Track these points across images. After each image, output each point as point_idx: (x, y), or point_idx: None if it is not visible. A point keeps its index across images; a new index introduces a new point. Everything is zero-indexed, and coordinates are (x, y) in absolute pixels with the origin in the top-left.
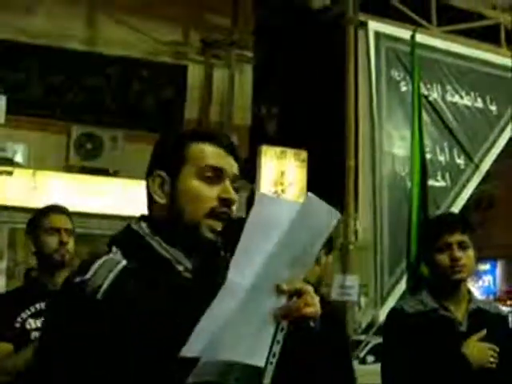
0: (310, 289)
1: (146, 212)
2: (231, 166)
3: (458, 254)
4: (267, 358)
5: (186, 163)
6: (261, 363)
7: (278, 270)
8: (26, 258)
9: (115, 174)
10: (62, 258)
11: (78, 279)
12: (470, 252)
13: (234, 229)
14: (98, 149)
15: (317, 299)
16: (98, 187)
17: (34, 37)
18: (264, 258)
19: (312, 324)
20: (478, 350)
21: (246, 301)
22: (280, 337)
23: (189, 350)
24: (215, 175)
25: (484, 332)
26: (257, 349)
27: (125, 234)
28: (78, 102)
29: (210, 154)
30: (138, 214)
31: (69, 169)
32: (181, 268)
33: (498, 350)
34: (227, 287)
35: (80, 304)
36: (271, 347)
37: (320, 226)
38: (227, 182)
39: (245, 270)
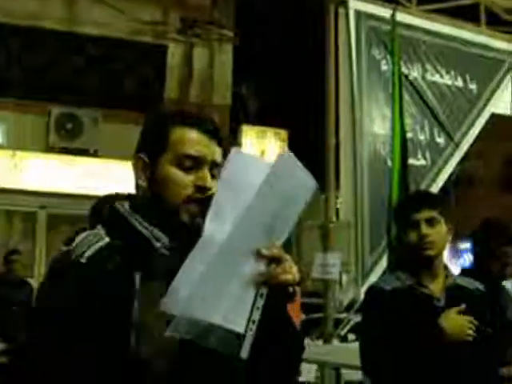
0: (289, 256)
1: (131, 191)
2: (212, 153)
3: (426, 230)
4: (247, 324)
5: (166, 149)
6: (241, 329)
7: (253, 231)
8: (5, 239)
9: (95, 154)
10: None
11: (64, 248)
12: (440, 228)
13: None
14: (77, 129)
15: (295, 267)
16: (78, 167)
17: (13, 17)
18: (238, 216)
19: (290, 290)
20: (456, 322)
21: (223, 258)
22: (259, 303)
23: (167, 305)
24: (193, 163)
25: (463, 306)
26: (236, 313)
27: (108, 213)
28: (58, 83)
29: (191, 141)
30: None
31: (49, 149)
32: (159, 245)
33: (476, 322)
34: (202, 241)
35: (65, 266)
36: (251, 313)
37: (295, 190)
38: (205, 170)
39: (219, 225)
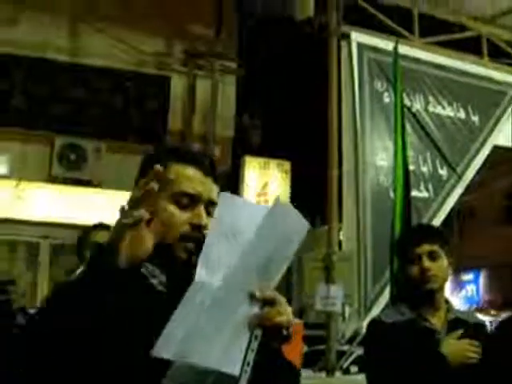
0: (283, 298)
1: None
2: (208, 191)
3: (427, 264)
4: (242, 367)
5: (163, 185)
6: (235, 372)
7: (247, 275)
8: (8, 270)
9: (99, 185)
10: None
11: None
12: (442, 262)
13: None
14: (81, 160)
15: (289, 309)
16: (81, 198)
17: (17, 47)
18: (232, 259)
19: (285, 333)
20: (457, 347)
21: (216, 302)
22: (254, 345)
23: (159, 351)
24: (190, 201)
25: (459, 332)
26: (231, 356)
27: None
28: (62, 113)
29: (188, 178)
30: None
31: (52, 180)
32: (155, 281)
33: (477, 344)
34: (194, 286)
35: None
36: (245, 355)
37: (289, 233)
38: (201, 208)
39: (212, 269)
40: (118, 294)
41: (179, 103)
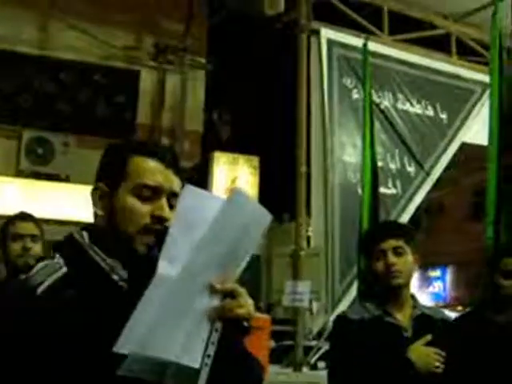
0: (243, 290)
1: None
2: (170, 182)
3: (392, 260)
4: (202, 359)
5: (124, 178)
6: (196, 364)
7: (207, 266)
8: None
9: (67, 180)
10: (24, 263)
11: (22, 276)
12: (407, 258)
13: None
14: (49, 154)
15: (250, 301)
16: (49, 193)
17: None
18: (191, 252)
19: (246, 324)
20: (424, 354)
21: (176, 294)
22: (215, 338)
23: (121, 346)
24: (151, 193)
25: (429, 337)
26: (191, 348)
27: (66, 242)
28: (29, 107)
29: (149, 170)
30: (90, 219)
31: (19, 174)
32: (116, 277)
33: (443, 354)
34: (156, 279)
35: (20, 297)
36: (206, 348)
37: (249, 224)
38: (163, 200)
39: (173, 262)
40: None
41: (148, 97)
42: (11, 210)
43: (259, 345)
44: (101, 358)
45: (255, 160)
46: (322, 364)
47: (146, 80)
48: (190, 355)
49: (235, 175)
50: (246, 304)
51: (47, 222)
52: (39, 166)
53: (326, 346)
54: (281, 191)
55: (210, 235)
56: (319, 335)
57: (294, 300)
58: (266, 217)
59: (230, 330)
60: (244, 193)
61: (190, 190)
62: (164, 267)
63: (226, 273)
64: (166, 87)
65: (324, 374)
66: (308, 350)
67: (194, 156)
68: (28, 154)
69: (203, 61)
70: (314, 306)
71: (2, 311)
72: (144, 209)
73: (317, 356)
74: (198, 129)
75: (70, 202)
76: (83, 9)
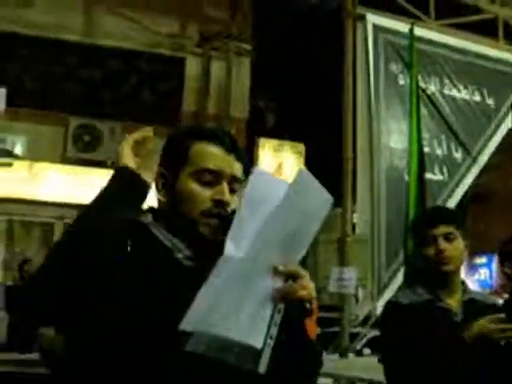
0: (306, 273)
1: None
2: (231, 167)
3: (443, 245)
4: (265, 340)
5: (186, 164)
6: (258, 344)
7: (272, 249)
8: (23, 249)
9: (113, 166)
10: None
11: None
12: (458, 243)
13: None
14: (95, 141)
15: (312, 284)
16: (95, 179)
17: (32, 28)
18: (257, 234)
19: (308, 306)
20: (483, 328)
21: (241, 275)
22: (277, 319)
23: (186, 324)
24: (212, 177)
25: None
26: (254, 329)
27: (131, 225)
28: (76, 94)
29: (211, 155)
30: None
31: (66, 160)
32: (180, 256)
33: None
34: (223, 260)
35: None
36: (268, 329)
37: (312, 207)
38: (224, 184)
39: (239, 244)
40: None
41: (194, 84)
42: (58, 197)
43: (310, 332)
44: (165, 334)
45: (300, 146)
46: (367, 351)
47: (192, 67)
48: (253, 336)
49: (280, 161)
50: (308, 286)
51: None
52: (85, 152)
53: (371, 333)
54: (326, 177)
55: (276, 218)
56: (365, 322)
57: (341, 286)
58: (328, 200)
59: (293, 311)
60: (309, 175)
61: (259, 172)
62: (230, 248)
63: (289, 255)
64: (211, 74)
65: (370, 360)
66: (354, 336)
67: (240, 142)
68: (75, 141)
69: (248, 47)
70: (360, 292)
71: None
72: (205, 193)
73: (362, 342)
74: (243, 115)
75: None
76: None
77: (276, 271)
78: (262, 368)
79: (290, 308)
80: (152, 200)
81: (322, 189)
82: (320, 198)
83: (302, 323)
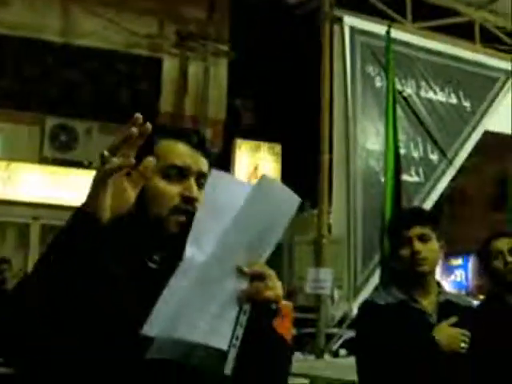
0: (272, 272)
1: None
2: (198, 163)
3: (418, 247)
4: (230, 341)
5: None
6: (224, 346)
7: (235, 250)
8: None
9: (90, 166)
10: None
11: None
12: (432, 245)
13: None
14: (72, 141)
15: (279, 283)
16: (72, 179)
17: (8, 28)
18: (220, 236)
19: (274, 307)
20: (449, 334)
21: (204, 278)
22: (243, 320)
23: (149, 329)
24: (179, 174)
25: (454, 319)
26: (219, 331)
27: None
28: (53, 94)
29: (177, 152)
30: None
31: (43, 160)
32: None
33: (468, 334)
34: (184, 263)
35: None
36: (234, 330)
37: (277, 208)
38: (191, 180)
39: (201, 246)
40: (103, 253)
41: (171, 85)
42: (34, 197)
43: (282, 332)
44: (128, 340)
45: (277, 147)
46: (343, 351)
47: (169, 67)
48: (218, 337)
49: (257, 162)
50: (275, 286)
51: (69, 208)
52: (62, 152)
53: (347, 334)
54: (303, 178)
55: (239, 220)
56: (341, 322)
57: (317, 287)
58: (294, 201)
59: (259, 312)
60: (272, 178)
61: (217, 174)
62: (191, 251)
63: (255, 256)
64: (188, 75)
65: (345, 360)
66: (330, 337)
67: (217, 143)
68: (51, 140)
69: (226, 48)
70: (336, 293)
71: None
72: (173, 190)
73: (338, 343)
74: (220, 116)
75: None
76: None
77: (240, 272)
78: (228, 369)
79: (257, 308)
80: None
81: (288, 190)
82: (286, 199)
83: (269, 323)
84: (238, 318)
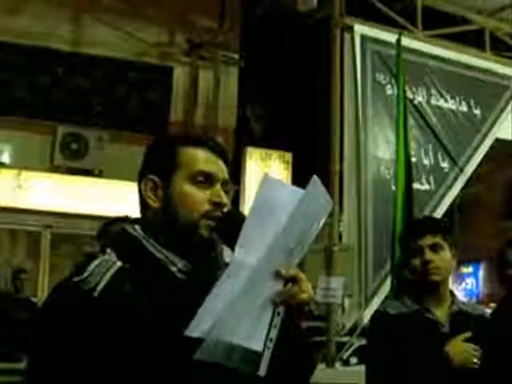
0: (304, 276)
1: (131, 214)
2: (221, 171)
3: (429, 256)
4: (264, 343)
5: (177, 168)
6: (259, 347)
7: (278, 254)
8: (9, 259)
9: (100, 175)
10: None
11: (75, 279)
12: (444, 254)
13: (228, 223)
14: (83, 149)
15: (310, 286)
16: (83, 188)
17: (20, 37)
18: (268, 241)
19: (306, 308)
20: (462, 349)
21: (249, 282)
22: (277, 321)
23: (194, 330)
24: (206, 180)
25: (468, 334)
26: (255, 332)
27: (119, 237)
28: (64, 103)
29: (202, 159)
30: (121, 214)
31: (54, 169)
32: (174, 269)
33: (480, 350)
34: (232, 266)
35: (77, 302)
36: (268, 332)
37: (317, 212)
38: (218, 186)
39: (249, 250)
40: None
41: (181, 93)
42: (45, 206)
43: None
44: (168, 348)
45: (288, 155)
46: (354, 360)
47: (179, 76)
48: (254, 339)
49: (267, 170)
50: (308, 289)
51: (79, 216)
52: (73, 161)
53: (358, 342)
54: None
55: (288, 225)
56: (352, 331)
57: (327, 296)
58: (329, 205)
59: (292, 314)
60: (318, 182)
61: (268, 179)
62: (240, 254)
63: (291, 259)
64: (199, 83)
65: (356, 369)
66: (340, 345)
67: (228, 151)
68: (62, 149)
69: (236, 56)
70: (347, 301)
71: (62, 322)
72: (202, 195)
73: (349, 352)
74: (231, 124)
75: (103, 197)
76: (116, 5)
77: (278, 275)
78: (263, 371)
79: (290, 310)
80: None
81: (327, 194)
82: (324, 202)
83: (300, 325)
84: (272, 319)
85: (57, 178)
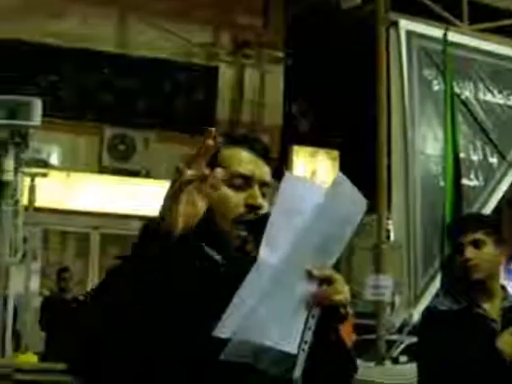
0: (340, 277)
1: None
2: (261, 172)
3: (469, 254)
4: (299, 345)
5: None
6: (293, 350)
7: (306, 254)
8: (58, 258)
9: (148, 176)
10: None
11: None
12: (487, 250)
13: (263, 225)
14: (130, 150)
15: (346, 288)
16: (130, 189)
17: (66, 40)
18: (292, 239)
19: (342, 311)
20: None
21: (277, 281)
22: (312, 324)
23: (221, 331)
24: (244, 182)
25: None
26: (289, 334)
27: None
28: (111, 104)
29: (241, 160)
30: None
31: (102, 170)
32: (217, 257)
33: None
34: (258, 265)
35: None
36: (303, 334)
37: (348, 212)
38: (255, 188)
39: (274, 248)
40: (176, 263)
41: (227, 93)
42: (94, 207)
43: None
44: (198, 342)
45: (334, 153)
46: (404, 358)
47: (225, 75)
48: (288, 341)
49: (314, 168)
50: (343, 290)
51: (127, 217)
52: (120, 162)
53: (407, 340)
54: (361, 184)
55: (312, 223)
56: (401, 329)
57: (376, 294)
58: (363, 203)
59: (327, 316)
60: (345, 180)
61: (291, 177)
62: (265, 253)
63: (324, 260)
64: (244, 82)
65: (406, 367)
66: (390, 343)
67: (274, 150)
68: (110, 150)
69: (281, 55)
70: (396, 299)
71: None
72: (237, 197)
73: (399, 350)
74: (277, 123)
75: (150, 198)
76: (161, 7)
77: (310, 275)
78: (297, 374)
79: (325, 312)
80: None
81: (357, 192)
82: (355, 201)
83: (336, 328)
84: (306, 321)
85: (104, 179)
